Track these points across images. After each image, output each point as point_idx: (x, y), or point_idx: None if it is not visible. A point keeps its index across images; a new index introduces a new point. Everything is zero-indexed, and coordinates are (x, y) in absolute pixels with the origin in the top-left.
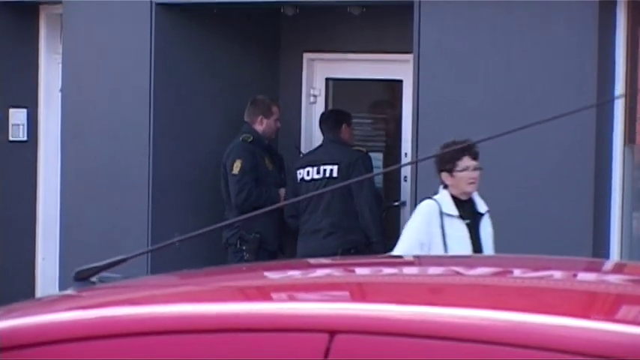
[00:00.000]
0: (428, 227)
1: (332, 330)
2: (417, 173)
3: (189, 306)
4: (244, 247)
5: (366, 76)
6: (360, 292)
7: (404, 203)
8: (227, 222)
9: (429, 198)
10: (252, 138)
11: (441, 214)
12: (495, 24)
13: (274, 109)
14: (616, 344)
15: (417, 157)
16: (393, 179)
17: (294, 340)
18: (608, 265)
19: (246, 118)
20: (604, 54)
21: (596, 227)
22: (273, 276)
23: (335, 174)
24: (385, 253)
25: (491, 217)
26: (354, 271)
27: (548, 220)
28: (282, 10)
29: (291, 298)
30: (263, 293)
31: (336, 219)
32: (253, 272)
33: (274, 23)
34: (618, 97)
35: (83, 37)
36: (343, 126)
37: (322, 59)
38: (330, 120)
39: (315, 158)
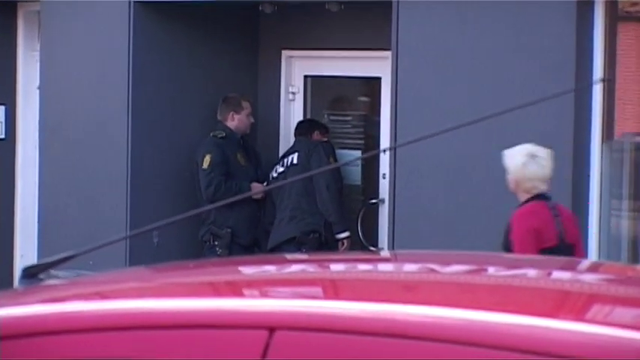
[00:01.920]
0: None
1: (271, 327)
2: (396, 171)
3: (125, 303)
4: (217, 243)
5: (345, 73)
6: (302, 288)
7: (382, 201)
8: (188, 214)
9: None
10: (224, 134)
11: None
12: (474, 21)
13: (244, 104)
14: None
15: (395, 154)
16: (371, 177)
17: (233, 336)
18: (564, 263)
19: (219, 117)
20: (582, 51)
21: None
22: (217, 273)
23: (295, 161)
24: (343, 233)
25: (468, 213)
26: (298, 268)
27: None
28: (260, 8)
29: (231, 295)
30: (203, 290)
31: (297, 203)
32: (197, 269)
33: (252, 20)
34: (597, 83)
35: (61, 34)
36: (315, 132)
37: (301, 56)
38: (304, 125)
39: (281, 156)
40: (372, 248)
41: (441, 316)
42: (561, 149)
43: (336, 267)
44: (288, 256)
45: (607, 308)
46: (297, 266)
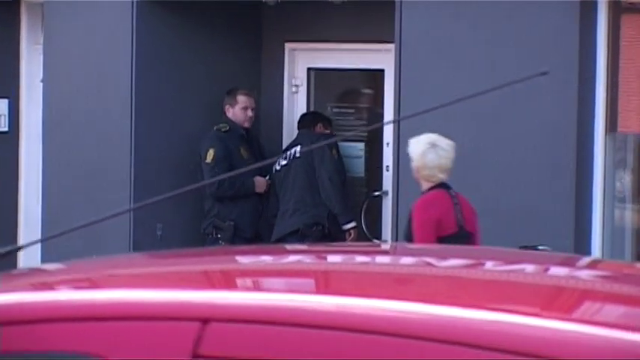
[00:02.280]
0: None
1: (205, 318)
2: (399, 163)
3: (60, 294)
4: (219, 236)
5: (348, 65)
6: (236, 280)
7: (386, 193)
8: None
9: None
10: (227, 127)
11: None
12: (477, 14)
13: (240, 97)
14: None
15: (398, 146)
16: (374, 169)
17: (165, 328)
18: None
19: (224, 109)
20: (585, 43)
21: (577, 217)
22: (157, 265)
23: (297, 154)
24: (350, 223)
25: (477, 207)
26: (237, 260)
27: (530, 210)
28: (263, 0)
29: (165, 286)
30: (139, 281)
31: (300, 195)
32: (140, 260)
33: (256, 13)
34: (536, 75)
35: (64, 27)
36: (318, 125)
37: (304, 49)
38: (307, 118)
39: (284, 149)
40: (375, 240)
41: (368, 307)
42: (565, 141)
43: (276, 259)
44: (233, 248)
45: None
46: (234, 259)
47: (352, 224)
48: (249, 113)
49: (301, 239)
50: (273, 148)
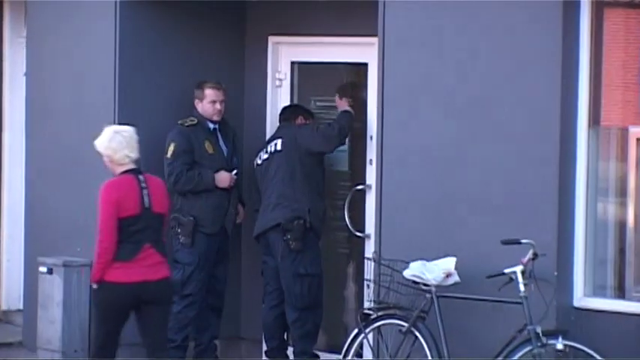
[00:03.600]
0: None
1: None
2: (383, 157)
3: None
4: (179, 230)
5: (332, 59)
6: None
7: (369, 187)
8: None
9: None
10: (195, 121)
11: None
12: (461, 7)
13: (207, 91)
14: None
15: (382, 140)
16: (358, 163)
17: None
18: None
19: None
20: (568, 37)
21: (560, 211)
22: None
23: (279, 147)
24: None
25: (455, 199)
26: None
27: (512, 205)
28: None
29: None
30: None
31: (281, 190)
32: None
33: (239, 6)
34: None
35: (48, 21)
36: (299, 117)
37: (287, 42)
38: (288, 110)
39: (265, 142)
40: (358, 234)
41: None
42: (548, 135)
43: None
44: None
45: None
46: None
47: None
48: (218, 106)
49: (283, 234)
50: (257, 142)
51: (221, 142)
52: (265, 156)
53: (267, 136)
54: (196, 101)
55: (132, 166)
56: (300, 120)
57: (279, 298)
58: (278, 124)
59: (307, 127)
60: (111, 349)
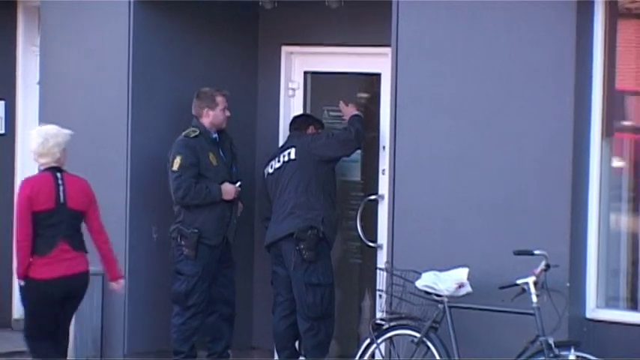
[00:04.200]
0: None
1: None
2: (395, 167)
3: None
4: (183, 243)
5: (345, 69)
6: None
7: (382, 197)
8: None
9: None
10: (197, 132)
11: None
12: (474, 18)
13: (219, 98)
14: None
15: (394, 150)
16: (370, 173)
17: None
18: None
19: (193, 112)
20: (582, 47)
21: (573, 219)
22: None
23: (293, 155)
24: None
25: (467, 209)
26: None
27: (525, 214)
28: (260, 4)
29: None
30: None
31: (294, 199)
32: None
33: (252, 16)
34: None
35: (61, 29)
36: (310, 127)
37: (301, 52)
38: (299, 120)
39: (276, 152)
40: (371, 244)
41: None
42: (561, 145)
43: None
44: None
45: None
46: None
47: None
48: (227, 113)
49: (296, 243)
50: (269, 151)
51: (221, 152)
52: (277, 165)
53: (280, 145)
54: (205, 110)
55: (53, 164)
56: (311, 130)
57: (291, 308)
58: (289, 132)
59: (321, 135)
60: (44, 337)
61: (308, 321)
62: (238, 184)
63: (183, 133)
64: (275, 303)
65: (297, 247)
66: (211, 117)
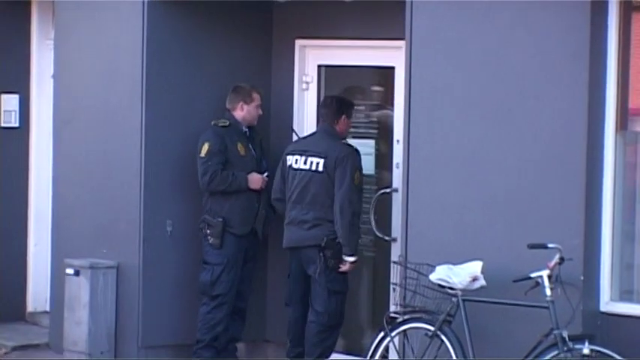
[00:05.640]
0: None
1: None
2: (409, 160)
3: None
4: (209, 232)
5: (359, 62)
6: None
7: (396, 190)
8: None
9: None
10: (227, 123)
11: None
12: (488, 10)
13: (255, 95)
14: None
15: (408, 143)
16: (385, 166)
17: None
18: None
19: (227, 105)
20: (596, 41)
21: (587, 214)
22: None
23: (320, 168)
24: (352, 257)
25: (481, 203)
26: None
27: (539, 207)
28: None
29: None
30: None
31: (322, 213)
32: None
33: (266, 10)
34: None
35: (76, 23)
36: (343, 117)
37: (314, 46)
38: (332, 108)
39: (305, 147)
40: (385, 238)
41: None
42: (575, 139)
43: None
44: None
45: None
46: None
47: (354, 258)
48: (260, 111)
49: (321, 251)
50: (282, 145)
51: (250, 145)
52: (304, 166)
53: (294, 140)
54: (240, 104)
55: None
56: (342, 121)
57: (306, 308)
58: (308, 126)
59: (348, 179)
60: None
61: (321, 327)
62: (266, 174)
63: (213, 122)
64: (290, 300)
65: (323, 255)
66: (245, 111)
